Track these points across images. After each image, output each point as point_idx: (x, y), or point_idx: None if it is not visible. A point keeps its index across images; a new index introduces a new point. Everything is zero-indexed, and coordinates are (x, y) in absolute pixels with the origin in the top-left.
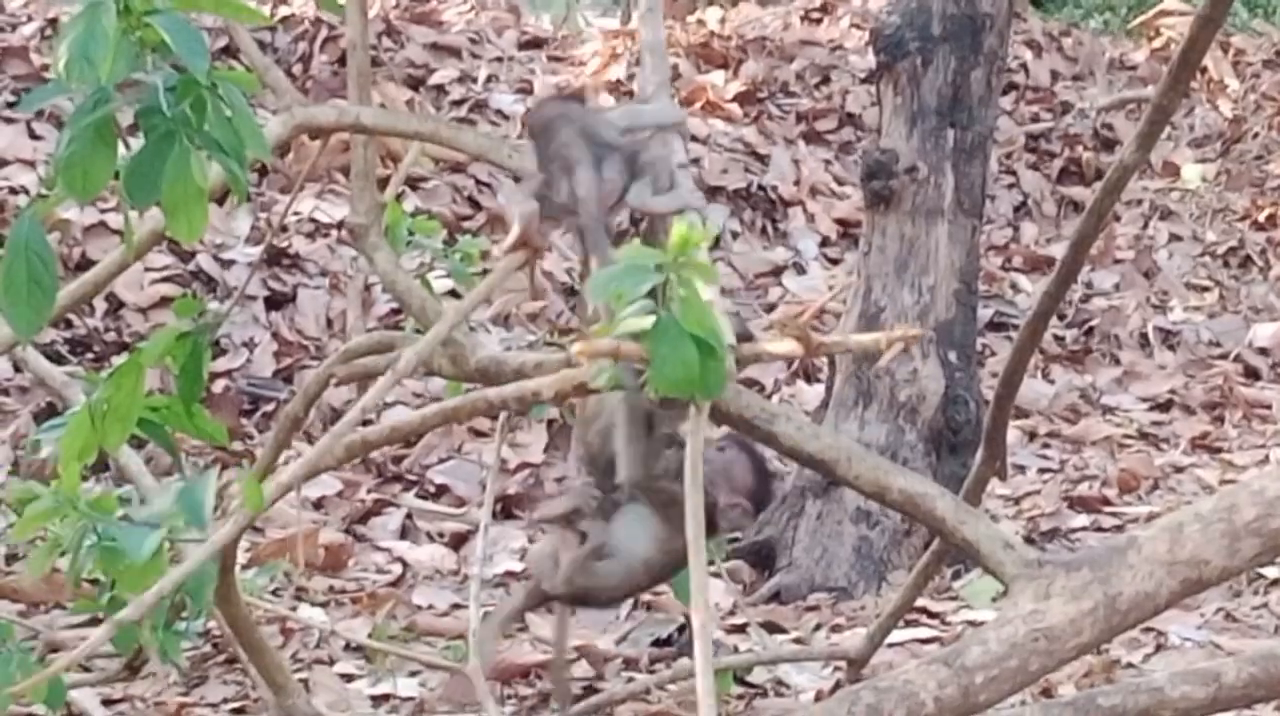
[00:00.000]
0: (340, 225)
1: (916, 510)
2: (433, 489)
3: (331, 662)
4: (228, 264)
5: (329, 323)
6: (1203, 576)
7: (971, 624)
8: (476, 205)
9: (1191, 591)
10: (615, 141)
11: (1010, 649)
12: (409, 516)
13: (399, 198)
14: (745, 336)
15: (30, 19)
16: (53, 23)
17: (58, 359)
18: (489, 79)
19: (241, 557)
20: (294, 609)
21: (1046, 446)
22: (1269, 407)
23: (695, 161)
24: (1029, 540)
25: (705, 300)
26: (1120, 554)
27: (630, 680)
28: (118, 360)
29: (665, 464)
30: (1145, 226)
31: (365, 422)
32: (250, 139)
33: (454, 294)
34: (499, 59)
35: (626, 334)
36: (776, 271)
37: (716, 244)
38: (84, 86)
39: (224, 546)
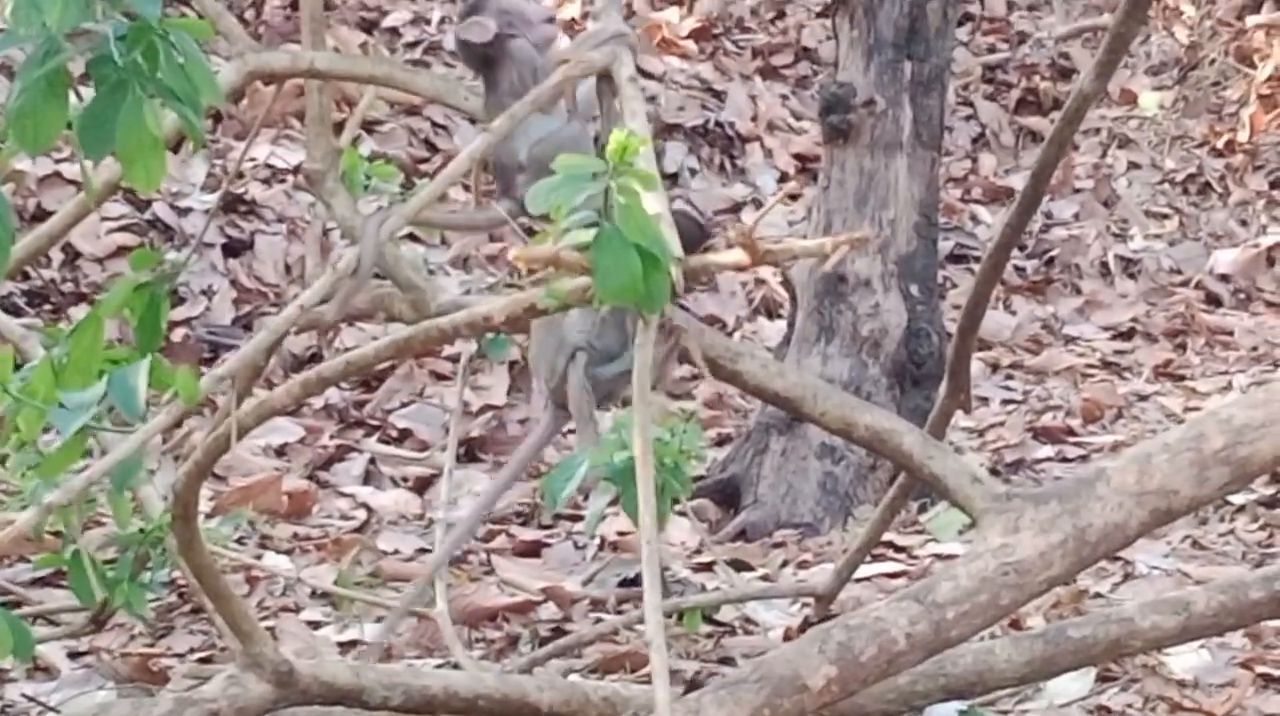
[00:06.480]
0: (297, 171)
1: (883, 446)
2: (395, 433)
3: (298, 610)
4: (184, 212)
5: (288, 269)
6: (1172, 506)
7: (938, 557)
8: (433, 148)
9: (1161, 522)
10: None
11: (981, 583)
12: (372, 461)
13: (355, 142)
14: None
15: None
16: None
17: (15, 312)
18: (443, 20)
19: (205, 507)
20: (259, 557)
21: (1010, 378)
22: (1231, 334)
23: (651, 99)
24: (994, 472)
25: (650, 210)
26: (1089, 485)
27: (598, 621)
28: (76, 311)
29: None
30: (1104, 155)
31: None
32: (204, 85)
33: (413, 238)
34: (452, 0)
35: (568, 244)
36: (735, 208)
37: (675, 180)
38: (33, 36)
39: (182, 496)
